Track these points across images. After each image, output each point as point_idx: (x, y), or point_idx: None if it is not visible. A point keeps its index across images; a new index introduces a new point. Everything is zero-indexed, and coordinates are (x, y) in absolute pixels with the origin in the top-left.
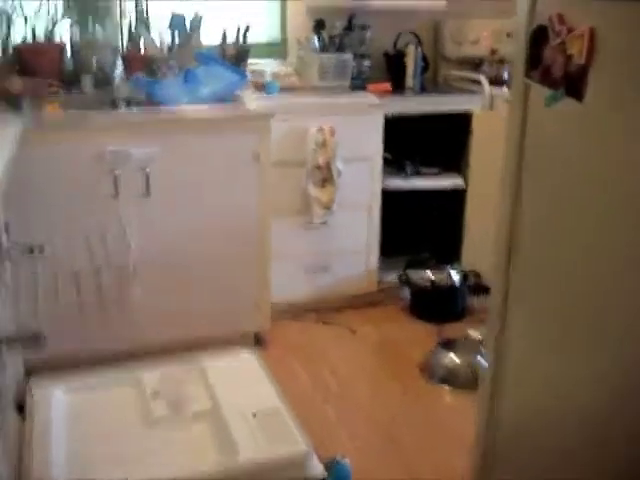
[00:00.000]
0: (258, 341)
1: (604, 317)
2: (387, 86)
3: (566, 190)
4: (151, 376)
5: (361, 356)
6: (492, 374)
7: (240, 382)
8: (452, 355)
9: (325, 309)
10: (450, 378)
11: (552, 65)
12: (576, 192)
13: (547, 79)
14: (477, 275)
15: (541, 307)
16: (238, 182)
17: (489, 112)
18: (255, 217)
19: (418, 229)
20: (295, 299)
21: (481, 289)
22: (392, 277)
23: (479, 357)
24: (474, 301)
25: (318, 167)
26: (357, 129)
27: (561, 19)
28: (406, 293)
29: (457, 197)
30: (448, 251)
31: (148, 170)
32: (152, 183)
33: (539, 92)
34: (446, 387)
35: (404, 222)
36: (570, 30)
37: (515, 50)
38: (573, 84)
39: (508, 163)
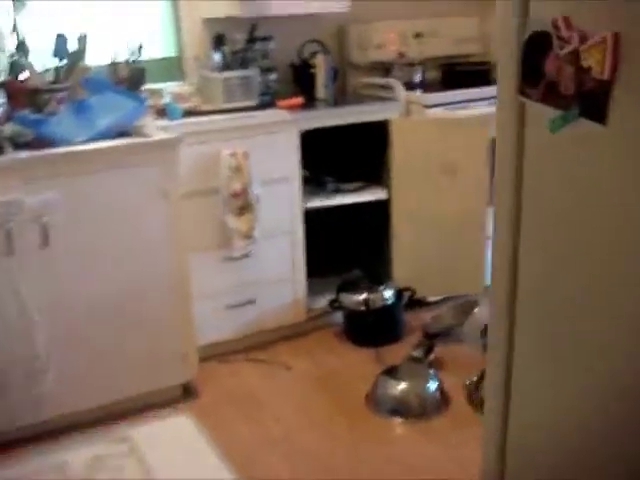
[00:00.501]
0: (188, 392)
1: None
2: (298, 100)
3: (577, 216)
4: (77, 458)
5: (301, 394)
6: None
7: (177, 453)
8: (398, 383)
9: (254, 346)
10: (400, 409)
11: (559, 80)
12: (590, 220)
13: (552, 98)
14: (410, 290)
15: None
16: (147, 220)
17: (406, 119)
18: (170, 257)
19: (345, 247)
20: (221, 338)
21: (416, 304)
22: (322, 302)
23: (429, 382)
24: (410, 318)
25: (234, 195)
26: (272, 149)
27: (568, 23)
28: (338, 318)
29: (382, 210)
30: (379, 267)
31: (45, 219)
32: (51, 233)
33: (537, 111)
34: (396, 419)
35: (330, 242)
36: (584, 37)
37: (502, 62)
38: (591, 103)
39: (502, 189)
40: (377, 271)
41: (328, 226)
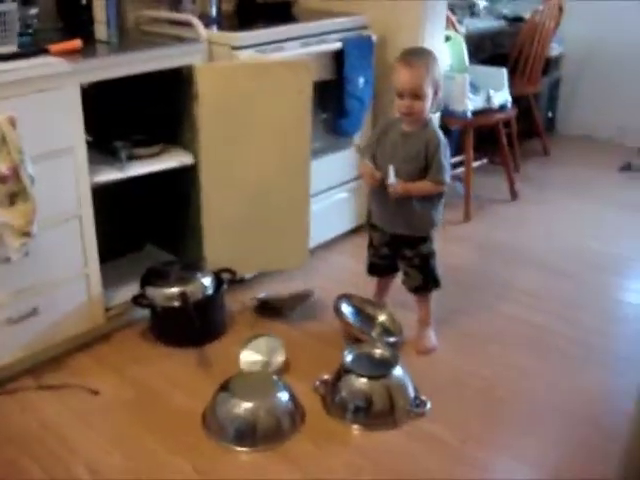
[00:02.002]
0: None
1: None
2: (76, 44)
3: None
4: None
5: (116, 428)
6: None
7: None
8: (241, 401)
9: (44, 365)
10: (248, 433)
11: None
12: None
13: None
14: (230, 272)
15: None
16: None
17: (213, 64)
18: None
19: (135, 220)
20: (1, 362)
21: (233, 283)
22: (121, 296)
23: (278, 394)
24: (228, 302)
25: (1, 179)
26: (46, 112)
27: None
28: (140, 312)
29: (187, 175)
30: (179, 241)
31: None
32: None
33: None
34: (245, 448)
35: (117, 215)
36: None
37: None
38: None
39: None
40: (177, 246)
41: (118, 198)
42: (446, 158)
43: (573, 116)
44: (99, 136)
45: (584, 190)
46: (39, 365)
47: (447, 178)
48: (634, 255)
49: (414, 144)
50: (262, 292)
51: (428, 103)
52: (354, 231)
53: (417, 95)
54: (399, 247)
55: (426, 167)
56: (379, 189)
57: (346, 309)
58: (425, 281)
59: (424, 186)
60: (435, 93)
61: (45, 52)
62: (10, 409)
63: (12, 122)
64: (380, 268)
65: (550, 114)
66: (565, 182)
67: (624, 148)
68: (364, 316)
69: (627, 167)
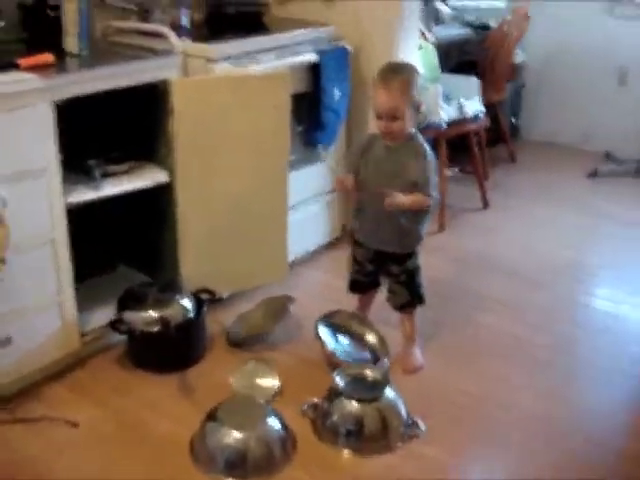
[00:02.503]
0: None
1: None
2: (47, 57)
3: None
4: None
5: (103, 463)
6: None
7: None
8: (231, 430)
9: (19, 396)
10: (237, 464)
11: None
12: None
13: None
14: (209, 292)
15: None
16: None
17: (190, 79)
18: None
19: (118, 245)
20: None
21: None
22: (96, 320)
23: (269, 421)
24: (212, 327)
25: None
26: (17, 131)
27: None
28: (115, 337)
29: (163, 194)
30: (153, 260)
31: None
32: None
33: None
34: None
35: (99, 241)
36: None
37: None
38: None
39: None
40: (151, 266)
41: (88, 217)
42: (433, 172)
43: (537, 122)
44: (70, 154)
45: (553, 196)
46: (13, 397)
47: (435, 192)
48: (605, 262)
49: (399, 159)
50: (234, 317)
51: (408, 122)
52: (330, 245)
53: (394, 116)
54: (384, 263)
55: (415, 182)
56: (364, 205)
57: (326, 333)
58: (411, 297)
59: (417, 198)
60: (417, 109)
61: (14, 67)
62: None
63: None
64: (363, 285)
65: (514, 120)
66: (534, 189)
67: (588, 154)
68: (350, 336)
69: (594, 173)
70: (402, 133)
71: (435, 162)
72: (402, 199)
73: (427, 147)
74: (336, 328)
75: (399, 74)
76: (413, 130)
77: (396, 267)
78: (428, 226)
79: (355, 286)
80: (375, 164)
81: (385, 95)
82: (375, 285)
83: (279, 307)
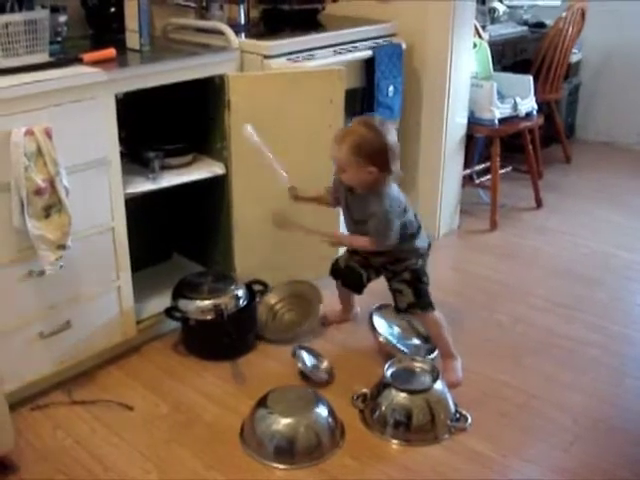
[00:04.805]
0: (4, 468)
1: None
2: (110, 52)
3: None
4: None
5: (155, 446)
6: None
7: None
8: (280, 418)
9: (76, 379)
10: (286, 450)
11: None
12: None
13: None
14: (261, 284)
15: None
16: None
17: (246, 74)
18: None
19: (174, 235)
20: (33, 378)
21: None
22: (152, 308)
23: (317, 409)
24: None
25: (37, 191)
26: (81, 122)
27: None
28: (170, 324)
29: (218, 187)
30: (207, 250)
31: None
32: None
33: None
34: (284, 465)
35: (155, 230)
36: None
37: None
38: None
39: None
40: (204, 256)
41: (145, 206)
42: (385, 223)
43: (592, 122)
44: (129, 146)
45: (608, 197)
46: (71, 380)
47: (388, 239)
48: None
49: (359, 207)
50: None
51: (358, 176)
52: None
53: (342, 169)
54: (382, 270)
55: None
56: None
57: (380, 323)
58: (415, 298)
59: (360, 240)
60: (376, 165)
61: (79, 61)
62: (43, 425)
63: (48, 133)
64: (345, 273)
65: (569, 120)
66: (588, 189)
67: None
68: (404, 326)
69: None
70: (358, 184)
71: (394, 212)
72: (340, 238)
73: (384, 203)
74: (390, 319)
75: (352, 133)
76: (383, 186)
77: (398, 264)
78: (422, 237)
79: (337, 272)
80: (344, 205)
81: (334, 149)
82: (358, 285)
83: (308, 304)
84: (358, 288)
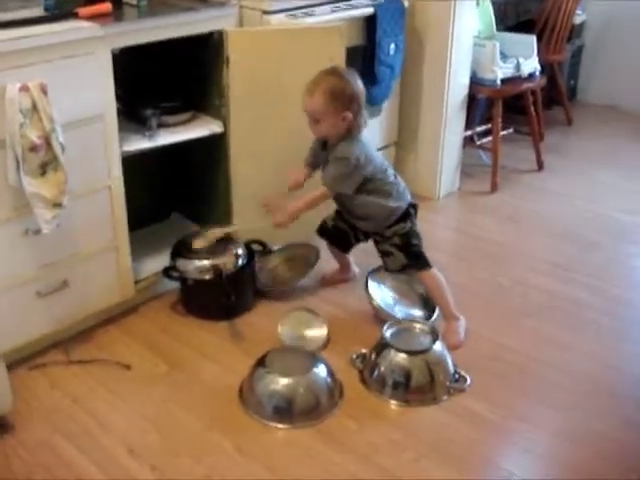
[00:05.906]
0: (1, 427)
1: None
2: (106, 6)
3: None
4: None
5: (153, 406)
6: None
7: None
8: (279, 377)
9: (74, 339)
10: (286, 409)
11: None
12: None
13: None
14: (260, 244)
15: None
16: None
17: (245, 30)
18: None
19: (172, 194)
20: (30, 337)
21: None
22: (150, 268)
23: (316, 370)
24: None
25: (32, 148)
26: (76, 78)
27: None
28: (169, 284)
29: (216, 145)
30: (206, 208)
31: None
32: None
33: None
34: (284, 425)
35: (153, 189)
36: None
37: None
38: None
39: None
40: (203, 215)
41: (142, 165)
42: (344, 168)
43: (595, 85)
44: (126, 104)
45: (609, 160)
46: (68, 339)
47: (340, 185)
48: None
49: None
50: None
51: (333, 124)
52: None
53: (316, 120)
54: (370, 234)
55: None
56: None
57: (376, 288)
58: (408, 260)
59: (312, 195)
60: (350, 110)
61: (74, 15)
62: (40, 385)
63: (43, 89)
64: (332, 232)
65: (572, 82)
66: (590, 152)
67: None
68: (403, 290)
69: None
70: (327, 135)
71: (355, 162)
72: (295, 207)
73: (351, 150)
74: (388, 283)
75: (323, 80)
76: (354, 133)
77: (387, 230)
78: (399, 198)
79: (325, 231)
80: (323, 162)
81: (306, 100)
82: (346, 244)
83: (305, 261)
84: (346, 246)
